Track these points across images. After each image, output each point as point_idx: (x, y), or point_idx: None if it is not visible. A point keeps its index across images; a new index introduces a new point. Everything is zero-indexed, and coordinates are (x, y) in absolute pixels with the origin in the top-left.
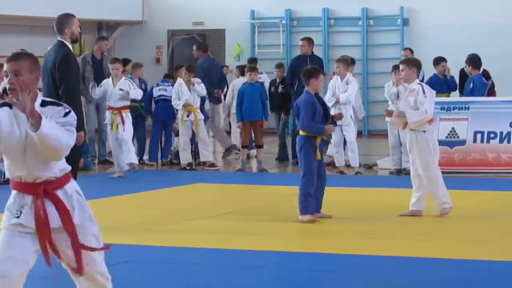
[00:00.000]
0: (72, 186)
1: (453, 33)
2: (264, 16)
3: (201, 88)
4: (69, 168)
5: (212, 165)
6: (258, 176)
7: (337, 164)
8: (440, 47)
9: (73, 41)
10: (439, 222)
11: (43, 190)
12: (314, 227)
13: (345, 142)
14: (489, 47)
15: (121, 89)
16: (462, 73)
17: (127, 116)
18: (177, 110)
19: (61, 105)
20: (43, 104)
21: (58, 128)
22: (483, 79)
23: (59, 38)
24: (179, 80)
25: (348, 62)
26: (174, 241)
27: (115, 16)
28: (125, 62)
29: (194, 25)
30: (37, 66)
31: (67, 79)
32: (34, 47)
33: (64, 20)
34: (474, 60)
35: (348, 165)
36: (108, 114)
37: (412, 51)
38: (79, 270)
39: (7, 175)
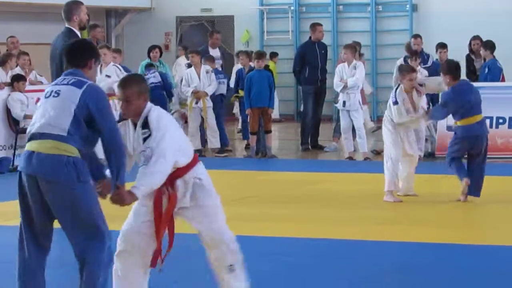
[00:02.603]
0: (192, 174)
1: (462, 18)
2: (273, 2)
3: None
4: (187, 161)
5: (221, 151)
6: (268, 162)
7: (345, 150)
8: (449, 33)
9: (81, 28)
10: (451, 208)
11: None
12: (323, 213)
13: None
14: (498, 32)
15: (107, 76)
16: (469, 58)
17: (113, 104)
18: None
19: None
20: (144, 125)
21: (149, 177)
22: (497, 63)
23: (67, 25)
24: (189, 67)
25: (356, 48)
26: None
27: (124, 3)
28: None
29: (203, 12)
30: (144, 86)
31: None
32: (42, 34)
33: (73, 7)
34: (489, 45)
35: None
36: None
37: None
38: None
39: None
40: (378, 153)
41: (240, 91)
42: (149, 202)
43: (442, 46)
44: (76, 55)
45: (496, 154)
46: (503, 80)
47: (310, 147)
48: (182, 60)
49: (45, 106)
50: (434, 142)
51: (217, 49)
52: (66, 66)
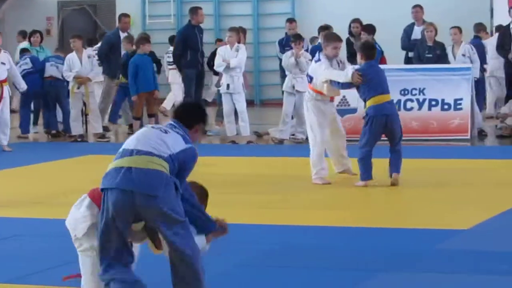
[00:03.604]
0: None
1: (343, 1)
2: None
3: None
4: None
5: (102, 136)
6: None
7: (228, 134)
8: (330, 16)
9: None
10: (329, 191)
11: None
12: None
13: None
14: (379, 15)
15: (2, 63)
16: (349, 41)
17: (6, 90)
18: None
19: None
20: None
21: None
22: (377, 46)
23: None
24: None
25: (239, 31)
26: (65, 214)
27: None
28: None
29: None
30: None
31: None
32: None
33: None
34: (369, 28)
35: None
36: None
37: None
38: None
39: None
40: (261, 135)
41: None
42: None
43: (324, 29)
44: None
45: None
46: (383, 62)
47: None
48: None
49: (148, 134)
50: None
51: (126, 33)
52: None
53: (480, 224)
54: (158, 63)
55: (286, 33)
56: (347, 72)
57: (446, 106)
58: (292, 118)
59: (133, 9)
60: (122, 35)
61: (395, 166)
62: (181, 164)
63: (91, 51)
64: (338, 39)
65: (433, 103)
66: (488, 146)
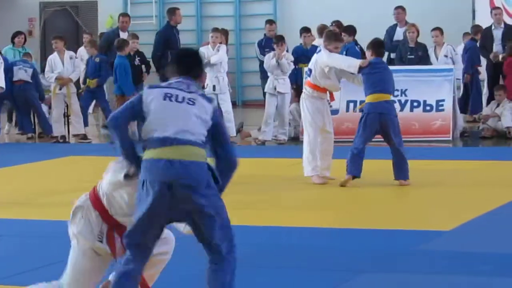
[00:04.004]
0: None
1: (324, 3)
2: None
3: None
4: None
5: (84, 137)
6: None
7: None
8: (312, 17)
9: None
10: (312, 192)
11: None
12: None
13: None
14: (361, 16)
15: None
16: None
17: None
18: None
19: None
20: None
21: None
22: (356, 47)
23: None
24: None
25: (222, 33)
26: (46, 214)
27: None
28: None
29: None
30: None
31: None
32: None
33: None
34: (350, 29)
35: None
36: None
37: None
38: None
39: None
40: (243, 137)
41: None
42: None
43: (305, 30)
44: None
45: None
46: None
47: None
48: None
49: (177, 111)
50: (298, 127)
51: (127, 33)
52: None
53: (462, 225)
54: (148, 65)
55: (265, 35)
56: (353, 60)
57: (428, 107)
58: (274, 120)
59: (115, 10)
60: (123, 34)
61: (401, 173)
62: (216, 128)
63: (72, 52)
64: (339, 39)
65: (415, 104)
66: (470, 147)
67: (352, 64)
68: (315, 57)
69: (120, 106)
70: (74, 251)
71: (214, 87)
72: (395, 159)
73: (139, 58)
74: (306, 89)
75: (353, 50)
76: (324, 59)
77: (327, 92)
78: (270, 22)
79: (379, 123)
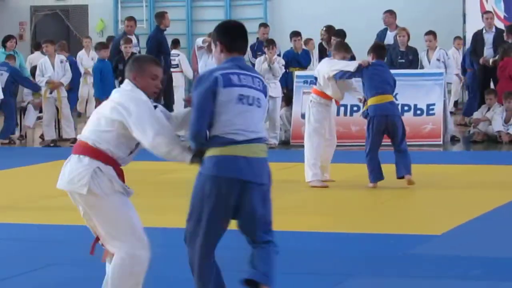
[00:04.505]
0: None
1: (315, 7)
2: None
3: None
4: None
5: (75, 141)
6: None
7: None
8: (302, 21)
9: None
10: (303, 196)
11: None
12: (177, 202)
13: None
14: (351, 20)
15: None
16: (321, 47)
17: None
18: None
19: None
20: None
21: None
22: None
23: None
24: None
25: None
26: (36, 219)
27: None
28: None
29: (57, 1)
30: None
31: None
32: None
33: None
34: (338, 33)
35: None
36: None
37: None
38: None
39: None
40: None
41: None
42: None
43: (295, 34)
44: (243, 39)
45: (351, 141)
46: None
47: None
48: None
49: (249, 115)
50: (288, 131)
51: (134, 36)
52: (228, 48)
53: (452, 229)
54: None
55: (257, 38)
56: (354, 63)
57: (418, 111)
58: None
59: (105, 13)
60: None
61: (405, 168)
62: None
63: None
64: (347, 50)
65: (406, 108)
66: (461, 151)
67: (350, 63)
68: (318, 66)
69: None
70: (110, 211)
71: None
72: (399, 156)
73: None
74: (312, 96)
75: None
76: (324, 67)
77: (332, 99)
78: (264, 25)
79: (385, 125)
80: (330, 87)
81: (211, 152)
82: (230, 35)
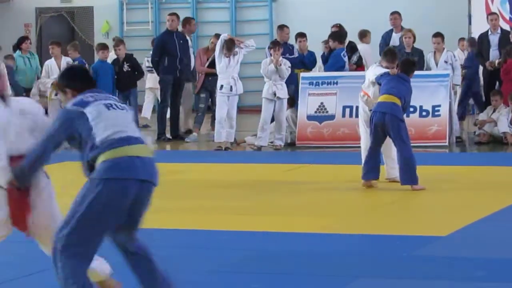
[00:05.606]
0: None
1: (320, 8)
2: None
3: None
4: None
5: None
6: None
7: (217, 140)
8: (308, 22)
9: None
10: (307, 197)
11: None
12: (186, 204)
13: None
14: (356, 22)
15: None
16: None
17: None
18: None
19: None
20: None
21: None
22: (341, 54)
23: None
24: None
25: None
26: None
27: None
28: None
29: (62, 3)
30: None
31: None
32: None
33: None
34: (336, 35)
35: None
36: None
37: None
38: None
39: None
40: (238, 143)
41: None
42: None
43: (301, 35)
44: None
45: (357, 143)
46: (362, 68)
47: (170, 137)
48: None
49: (116, 116)
50: (294, 133)
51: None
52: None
53: (458, 231)
54: (139, 70)
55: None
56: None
57: (424, 113)
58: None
59: (111, 15)
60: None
61: (409, 179)
62: None
63: (69, 58)
64: (393, 60)
65: (411, 109)
66: (466, 152)
67: (380, 70)
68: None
69: None
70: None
71: (231, 87)
72: (400, 163)
73: (128, 64)
74: (360, 95)
75: (337, 55)
76: (370, 72)
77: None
78: (282, 27)
79: (382, 121)
80: (371, 91)
81: (103, 158)
82: (76, 79)
